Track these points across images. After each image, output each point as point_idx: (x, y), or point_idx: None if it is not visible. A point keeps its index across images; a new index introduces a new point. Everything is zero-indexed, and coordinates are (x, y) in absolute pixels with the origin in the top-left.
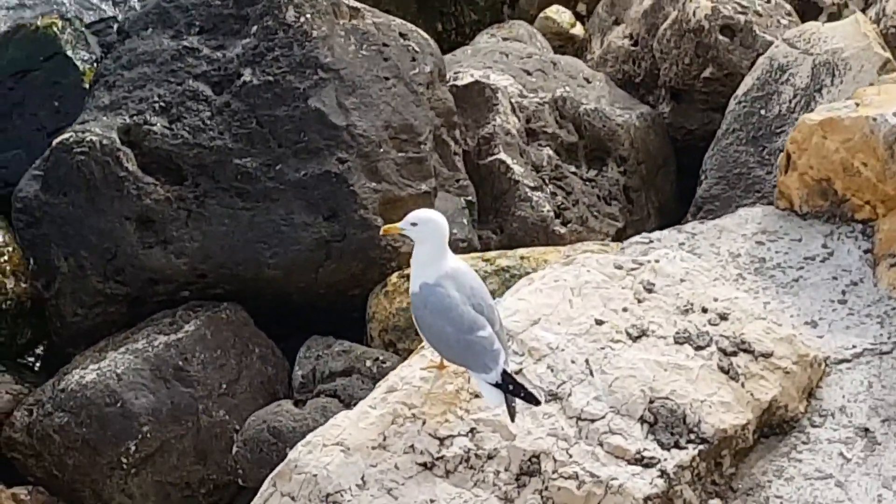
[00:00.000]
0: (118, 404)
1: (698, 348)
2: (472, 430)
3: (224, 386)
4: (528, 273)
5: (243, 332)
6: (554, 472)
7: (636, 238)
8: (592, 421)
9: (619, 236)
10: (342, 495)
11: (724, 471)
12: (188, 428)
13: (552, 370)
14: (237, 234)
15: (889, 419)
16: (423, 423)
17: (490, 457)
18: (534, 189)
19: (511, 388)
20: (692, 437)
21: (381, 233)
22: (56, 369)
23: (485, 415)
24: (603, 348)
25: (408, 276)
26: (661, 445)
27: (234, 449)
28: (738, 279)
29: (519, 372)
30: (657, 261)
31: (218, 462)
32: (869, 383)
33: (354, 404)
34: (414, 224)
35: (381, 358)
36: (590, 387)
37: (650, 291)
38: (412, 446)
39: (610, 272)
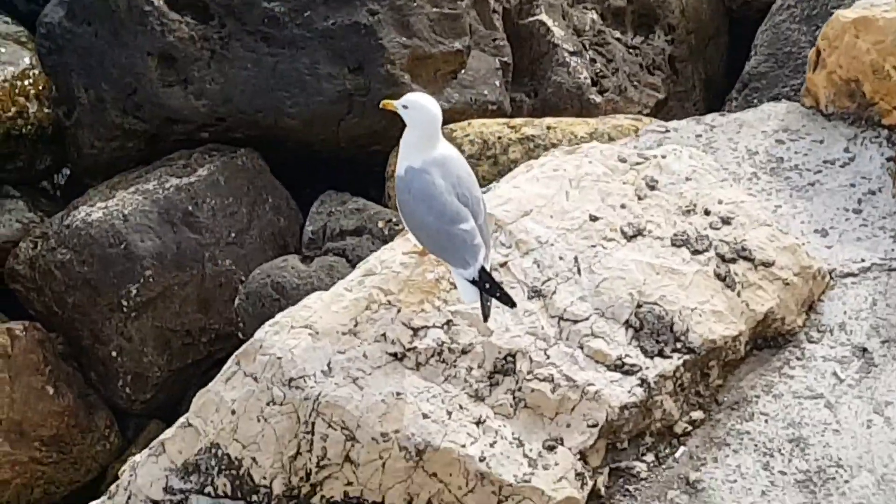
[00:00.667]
0: (122, 245)
1: (695, 252)
2: (448, 322)
3: (233, 235)
4: (553, 144)
5: (258, 180)
6: (529, 373)
7: (652, 126)
8: (575, 322)
9: (660, 108)
10: (305, 381)
11: (710, 382)
12: (192, 275)
13: (538, 265)
14: (259, 79)
15: (889, 340)
16: (398, 311)
17: (464, 352)
18: (572, 54)
19: (487, 286)
20: (678, 345)
21: (380, 106)
22: (74, 199)
23: (463, 307)
24: (594, 246)
25: None
26: (645, 353)
27: (237, 301)
28: (753, 178)
29: (504, 265)
30: (663, 156)
31: (220, 312)
32: (873, 300)
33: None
34: (405, 107)
35: (393, 220)
36: (576, 286)
37: (652, 189)
38: (384, 335)
39: (612, 165)
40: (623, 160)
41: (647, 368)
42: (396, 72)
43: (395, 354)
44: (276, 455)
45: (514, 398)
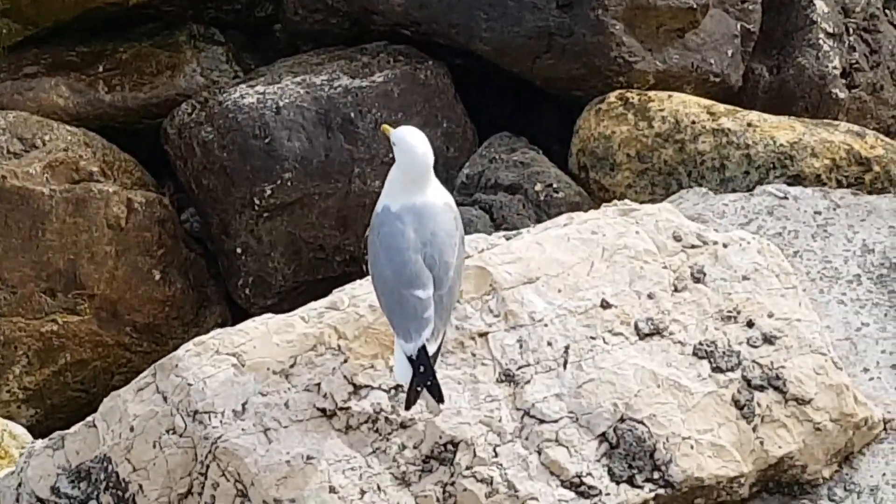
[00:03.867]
0: (266, 140)
1: (717, 370)
2: (397, 387)
3: (391, 155)
4: (748, 146)
5: (437, 100)
6: (467, 468)
7: (771, 188)
8: (541, 422)
9: None
10: (210, 418)
11: None
12: (336, 188)
13: (521, 346)
14: None
15: None
16: (345, 360)
17: (403, 426)
18: (829, 36)
19: (422, 369)
20: (655, 476)
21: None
22: (277, 59)
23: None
24: (594, 338)
25: (626, 101)
26: (612, 476)
27: (367, 231)
28: (852, 282)
29: (484, 335)
30: (725, 245)
31: (358, 234)
32: None
33: (504, 229)
34: (394, 143)
35: (554, 185)
36: (556, 380)
37: (697, 281)
38: (318, 385)
39: (662, 242)
40: (678, 238)
41: (608, 494)
42: (607, 19)
43: (323, 410)
44: (165, 489)
45: (443, 492)
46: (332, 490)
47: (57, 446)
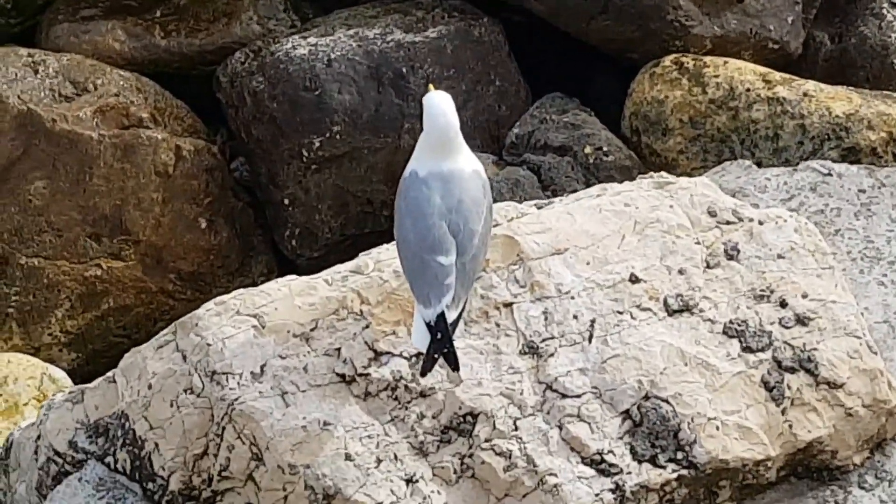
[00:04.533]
0: (316, 92)
1: (747, 349)
2: (418, 355)
3: None
4: (803, 115)
5: (491, 57)
6: (486, 441)
7: (814, 163)
8: (564, 396)
9: None
10: (228, 379)
11: (716, 502)
12: (385, 143)
13: (546, 318)
14: None
15: None
16: (367, 326)
17: (423, 395)
18: (893, 6)
19: (440, 336)
20: (678, 456)
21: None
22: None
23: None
24: (622, 312)
25: (680, 66)
26: (634, 454)
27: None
28: (895, 263)
29: (509, 306)
30: (761, 222)
31: None
32: None
33: (552, 193)
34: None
35: (604, 148)
36: (581, 354)
37: (731, 258)
38: (338, 350)
39: (695, 217)
40: (713, 213)
41: (629, 473)
42: None
43: (343, 376)
44: (181, 449)
45: (461, 464)
46: (348, 457)
47: (76, 400)
